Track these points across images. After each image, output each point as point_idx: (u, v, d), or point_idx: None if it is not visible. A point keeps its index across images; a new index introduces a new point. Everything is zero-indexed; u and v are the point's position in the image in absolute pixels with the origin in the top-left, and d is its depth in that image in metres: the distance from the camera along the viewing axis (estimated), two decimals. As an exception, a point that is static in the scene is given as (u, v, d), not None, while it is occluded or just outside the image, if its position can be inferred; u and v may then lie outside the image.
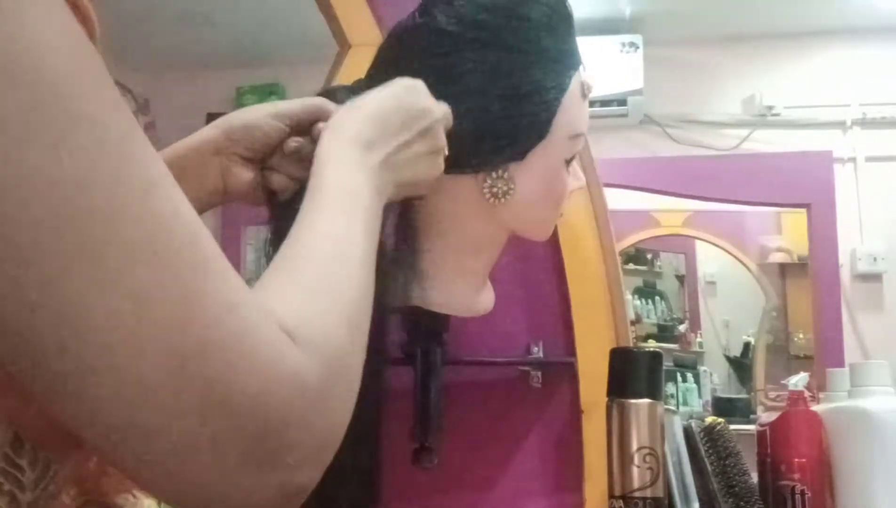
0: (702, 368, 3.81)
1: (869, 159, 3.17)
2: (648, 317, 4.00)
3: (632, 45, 3.06)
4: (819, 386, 1.19)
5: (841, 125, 3.19)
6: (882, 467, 0.88)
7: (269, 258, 0.62)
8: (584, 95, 0.82)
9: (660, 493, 0.79)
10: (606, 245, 1.03)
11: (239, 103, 3.42)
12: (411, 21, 0.79)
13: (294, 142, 0.72)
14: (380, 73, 0.78)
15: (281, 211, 0.71)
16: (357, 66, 1.03)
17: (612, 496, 0.80)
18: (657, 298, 4.05)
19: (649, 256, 4.04)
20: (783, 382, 3.25)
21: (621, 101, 3.09)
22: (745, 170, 3.15)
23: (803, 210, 3.22)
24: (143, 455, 0.36)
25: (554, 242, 1.02)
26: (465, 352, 0.97)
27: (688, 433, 0.94)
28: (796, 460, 0.92)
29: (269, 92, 3.40)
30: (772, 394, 3.48)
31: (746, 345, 3.89)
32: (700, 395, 3.71)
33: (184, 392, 0.36)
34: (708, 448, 0.94)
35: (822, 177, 3.13)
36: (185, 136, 0.73)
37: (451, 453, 0.92)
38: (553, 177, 0.82)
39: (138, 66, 3.28)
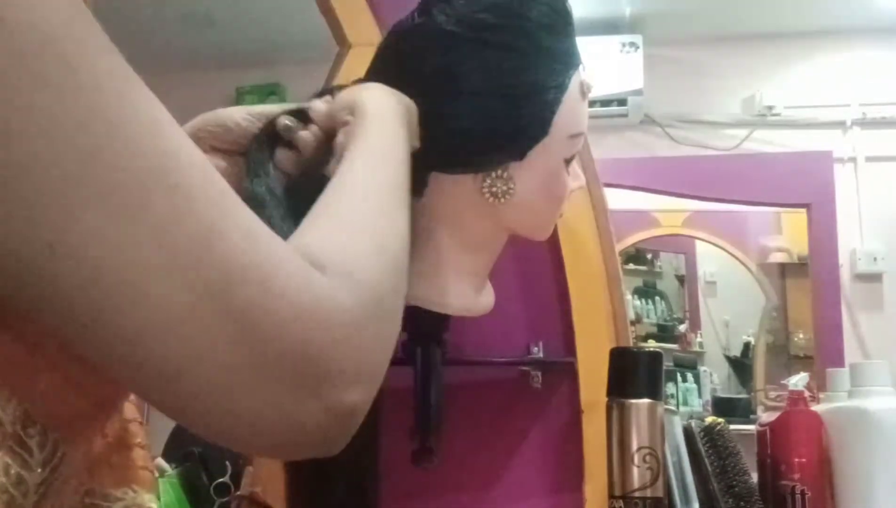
0: (702, 368, 3.81)
1: (869, 159, 3.17)
2: (648, 317, 4.00)
3: (632, 45, 3.06)
4: (819, 386, 1.19)
5: (841, 125, 3.19)
6: (882, 467, 0.88)
7: None
8: (584, 95, 0.82)
9: (660, 493, 0.79)
10: (606, 245, 1.03)
11: (239, 103, 3.40)
12: (410, 21, 0.79)
13: (286, 120, 0.72)
14: (379, 72, 0.78)
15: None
16: (357, 66, 1.03)
17: (612, 496, 0.80)
18: (657, 298, 4.05)
19: (649, 256, 4.04)
20: (783, 382, 3.24)
21: (621, 101, 3.09)
22: (745, 170, 3.15)
23: (803, 210, 3.22)
24: (181, 390, 0.36)
25: (554, 242, 1.01)
26: (465, 352, 0.97)
27: (688, 433, 0.94)
28: (796, 460, 0.92)
29: (269, 92, 3.40)
30: (772, 394, 3.48)
31: (746, 345, 3.89)
32: (700, 395, 3.71)
33: (214, 322, 0.36)
34: (708, 448, 0.94)
35: (822, 177, 3.13)
36: None
37: (451, 453, 0.92)
38: (553, 176, 0.81)
39: (138, 66, 3.25)
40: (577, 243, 0.98)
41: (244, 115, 0.72)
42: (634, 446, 0.79)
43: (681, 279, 4.12)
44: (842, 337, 3.06)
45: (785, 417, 0.96)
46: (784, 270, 3.84)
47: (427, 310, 0.82)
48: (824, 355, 3.04)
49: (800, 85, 3.21)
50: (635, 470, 0.79)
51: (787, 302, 3.84)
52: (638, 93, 3.09)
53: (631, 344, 1.10)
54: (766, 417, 1.01)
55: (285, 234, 0.43)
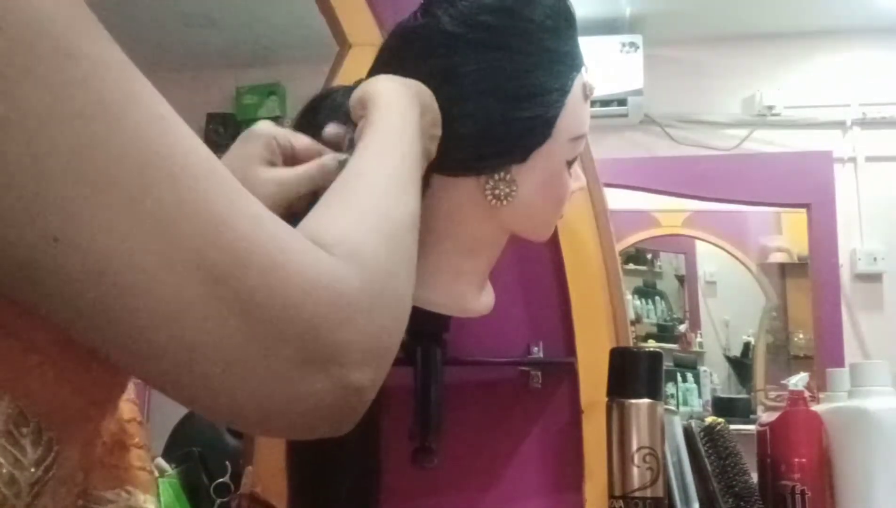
0: (702, 368, 3.81)
1: (869, 159, 3.17)
2: (648, 317, 4.00)
3: (632, 45, 3.06)
4: (819, 386, 1.19)
5: (841, 125, 3.19)
6: (882, 467, 0.88)
7: None
8: (587, 97, 0.82)
9: (660, 493, 0.79)
10: (606, 245, 1.03)
11: (239, 103, 3.42)
12: (413, 21, 0.79)
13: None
14: (381, 73, 0.78)
15: None
16: (357, 66, 1.03)
17: (612, 496, 0.80)
18: (657, 298, 4.05)
19: (649, 256, 4.04)
20: (783, 382, 3.24)
21: (621, 101, 3.09)
22: (745, 170, 3.15)
23: (803, 210, 3.22)
24: (193, 376, 0.37)
25: (554, 242, 1.01)
26: (465, 352, 0.97)
27: (688, 433, 0.94)
28: (796, 460, 0.92)
29: (269, 92, 3.40)
30: (772, 394, 3.48)
31: (746, 345, 3.89)
32: (700, 395, 3.71)
33: (223, 307, 0.36)
34: (708, 448, 0.94)
35: (822, 177, 3.13)
36: None
37: (451, 453, 0.92)
38: (555, 178, 0.81)
39: (138, 66, 3.27)
40: (577, 243, 0.98)
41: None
42: (634, 446, 0.79)
43: (681, 279, 4.12)
44: (842, 337, 3.06)
45: (785, 417, 0.96)
46: (784, 270, 3.84)
47: (427, 311, 0.82)
48: (824, 355, 3.04)
49: (800, 85, 3.21)
50: (635, 470, 0.79)
51: (787, 302, 3.84)
52: (638, 93, 3.09)
53: (631, 344, 1.10)
54: (766, 417, 1.01)
55: None
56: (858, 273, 3.13)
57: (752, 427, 1.07)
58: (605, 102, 3.04)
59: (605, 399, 0.83)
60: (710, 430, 0.95)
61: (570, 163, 0.82)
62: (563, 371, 1.02)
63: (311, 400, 0.39)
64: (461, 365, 0.98)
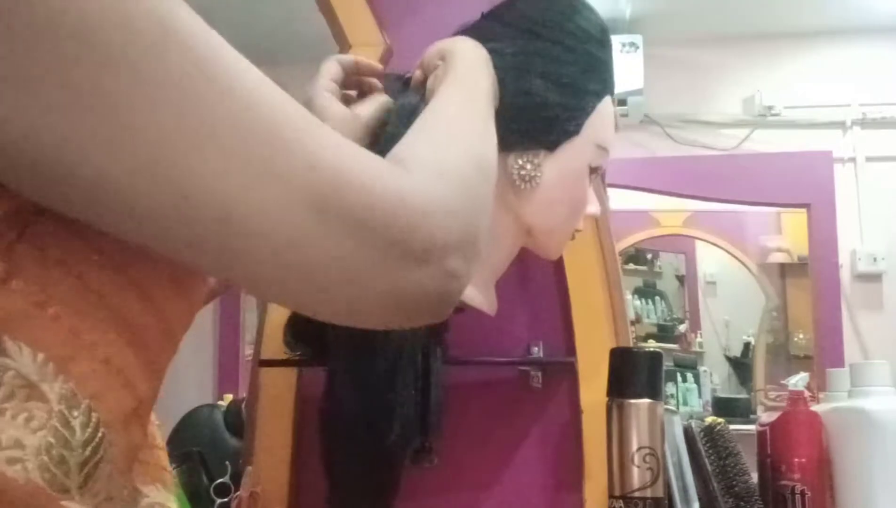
0: (702, 368, 3.81)
1: (869, 159, 3.17)
2: (648, 317, 4.00)
3: (632, 45, 3.06)
4: (819, 386, 1.19)
5: (841, 125, 3.19)
6: (882, 467, 0.88)
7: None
8: (615, 118, 0.89)
9: (660, 493, 0.79)
10: (606, 245, 1.03)
11: (239, 103, 3.42)
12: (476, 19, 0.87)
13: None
14: None
15: None
16: (357, 66, 1.03)
17: (612, 496, 0.80)
18: (657, 298, 4.05)
19: (649, 256, 4.04)
20: (783, 382, 3.25)
21: (621, 101, 3.09)
22: (745, 170, 3.15)
23: (803, 210, 3.22)
24: (316, 288, 0.43)
25: (554, 242, 1.01)
26: (465, 352, 0.97)
27: (688, 433, 0.94)
28: (796, 460, 0.92)
29: (269, 92, 3.40)
30: (772, 394, 3.48)
31: (746, 345, 3.89)
32: (700, 395, 3.71)
33: (332, 227, 0.42)
34: (708, 448, 0.94)
35: (822, 177, 3.13)
36: None
37: (451, 453, 0.92)
38: (576, 179, 0.85)
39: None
40: (577, 243, 0.98)
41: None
42: (634, 446, 0.79)
43: (681, 279, 4.13)
44: (842, 337, 3.06)
45: (785, 417, 0.96)
46: (784, 270, 3.84)
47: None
48: (824, 355, 3.04)
49: (800, 85, 3.21)
50: (635, 470, 0.79)
51: (787, 302, 3.84)
52: (638, 93, 3.09)
53: (631, 344, 1.10)
54: (766, 417, 1.01)
55: None
56: (858, 273, 3.13)
57: (752, 427, 1.07)
58: (605, 102, 3.04)
59: (605, 399, 0.83)
60: (710, 430, 0.95)
61: (592, 172, 0.86)
62: (563, 371, 1.02)
63: (418, 290, 0.46)
64: (461, 365, 0.98)
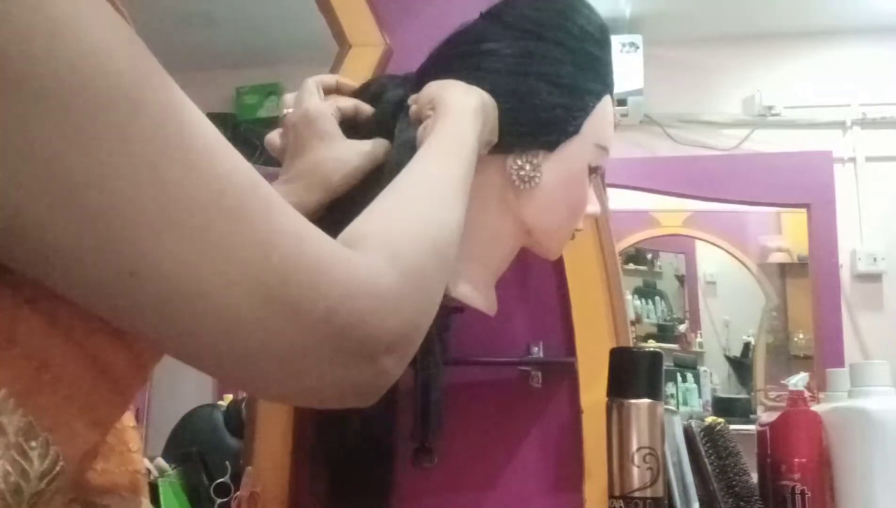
0: (702, 368, 3.81)
1: (869, 159, 3.17)
2: (648, 317, 4.00)
3: (632, 45, 3.06)
4: (819, 386, 1.19)
5: (841, 125, 3.19)
6: (882, 467, 0.88)
7: None
8: (614, 116, 0.88)
9: (660, 493, 0.79)
10: (606, 245, 1.03)
11: (239, 103, 3.42)
12: (476, 19, 0.86)
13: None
14: (439, 56, 0.85)
15: None
16: (357, 66, 1.03)
17: (612, 496, 0.80)
18: (657, 298, 4.05)
19: (649, 256, 4.04)
20: (783, 382, 3.25)
21: (621, 101, 3.09)
22: (745, 170, 3.15)
23: (803, 210, 3.22)
24: (252, 370, 0.43)
25: (554, 242, 1.01)
26: (465, 352, 0.97)
27: (688, 433, 0.94)
28: (796, 460, 0.92)
29: (268, 92, 3.40)
30: (772, 394, 3.48)
31: (746, 345, 3.89)
32: (700, 395, 3.71)
33: (276, 317, 0.42)
34: (708, 448, 0.94)
35: (822, 177, 3.13)
36: None
37: (451, 453, 0.92)
38: (576, 179, 0.85)
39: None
40: (577, 243, 0.98)
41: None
42: (634, 446, 0.79)
43: (681, 279, 4.12)
44: (842, 337, 3.06)
45: (785, 417, 0.96)
46: (784, 270, 3.83)
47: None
48: (824, 355, 3.04)
49: (800, 85, 3.21)
50: (635, 470, 0.79)
51: (787, 302, 3.83)
52: (638, 93, 3.09)
53: (631, 344, 1.10)
54: (766, 417, 1.01)
55: None
56: (858, 273, 3.13)
57: (752, 427, 1.07)
58: (606, 102, 3.04)
59: (605, 399, 0.83)
60: (710, 430, 0.95)
61: (591, 172, 0.86)
62: (563, 371, 1.02)
63: (347, 383, 0.47)
64: (461, 365, 0.98)
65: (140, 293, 0.39)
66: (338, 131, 0.79)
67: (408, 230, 0.54)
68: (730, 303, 4.01)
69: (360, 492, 0.85)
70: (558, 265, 1.03)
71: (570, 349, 1.01)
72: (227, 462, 1.05)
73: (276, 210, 0.44)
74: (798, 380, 2.99)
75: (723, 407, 3.50)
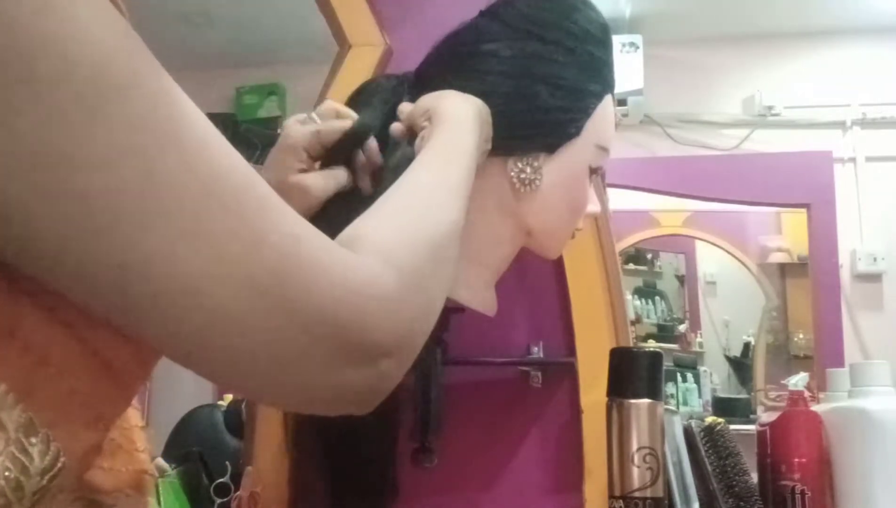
0: (702, 368, 3.81)
1: (869, 159, 3.17)
2: (648, 317, 4.00)
3: (632, 45, 3.06)
4: (819, 386, 1.19)
5: (841, 125, 3.19)
6: (882, 467, 0.88)
7: None
8: (615, 117, 0.88)
9: (660, 493, 0.79)
10: (606, 245, 1.03)
11: (239, 103, 3.42)
12: (474, 18, 0.85)
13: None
14: (436, 58, 0.85)
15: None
16: (357, 66, 1.03)
17: (612, 496, 0.80)
18: (657, 298, 4.05)
19: (649, 256, 4.04)
20: (783, 382, 3.25)
21: (621, 101, 3.09)
22: (745, 170, 3.15)
23: (803, 210, 3.22)
24: (244, 370, 0.42)
25: (554, 242, 1.01)
26: (465, 352, 0.97)
27: (688, 433, 0.94)
28: (796, 460, 0.92)
29: (269, 92, 3.40)
30: (772, 394, 3.49)
31: (746, 345, 3.89)
32: (700, 395, 3.71)
33: (269, 315, 0.41)
34: (708, 448, 0.94)
35: (822, 177, 3.13)
36: None
37: (451, 453, 0.92)
38: (576, 180, 0.85)
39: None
40: (577, 243, 0.98)
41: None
42: (634, 446, 0.79)
43: (681, 279, 4.12)
44: (842, 337, 3.06)
45: (785, 417, 0.96)
46: (784, 270, 3.84)
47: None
48: (824, 355, 3.04)
49: (800, 85, 3.21)
50: (635, 470, 0.79)
51: (787, 302, 3.84)
52: (638, 93, 3.09)
53: (631, 344, 1.10)
54: (766, 417, 1.01)
55: None
56: (858, 273, 3.13)
57: (752, 427, 1.07)
58: (606, 102, 3.04)
59: (605, 399, 0.83)
60: (710, 430, 0.95)
61: (592, 173, 0.86)
62: (563, 371, 1.02)
63: (344, 387, 0.45)
64: (461, 365, 0.98)
65: (129, 287, 0.38)
66: (301, 165, 0.75)
67: (405, 233, 0.53)
68: (730, 303, 4.01)
69: (361, 492, 0.85)
70: (558, 265, 1.03)
71: (570, 349, 1.01)
72: (227, 462, 1.05)
73: (274, 208, 0.43)
74: (798, 380, 2.99)
75: (723, 407, 3.50)
